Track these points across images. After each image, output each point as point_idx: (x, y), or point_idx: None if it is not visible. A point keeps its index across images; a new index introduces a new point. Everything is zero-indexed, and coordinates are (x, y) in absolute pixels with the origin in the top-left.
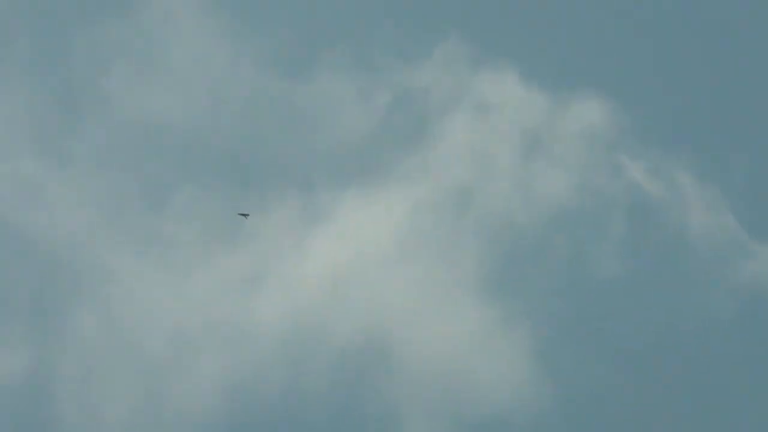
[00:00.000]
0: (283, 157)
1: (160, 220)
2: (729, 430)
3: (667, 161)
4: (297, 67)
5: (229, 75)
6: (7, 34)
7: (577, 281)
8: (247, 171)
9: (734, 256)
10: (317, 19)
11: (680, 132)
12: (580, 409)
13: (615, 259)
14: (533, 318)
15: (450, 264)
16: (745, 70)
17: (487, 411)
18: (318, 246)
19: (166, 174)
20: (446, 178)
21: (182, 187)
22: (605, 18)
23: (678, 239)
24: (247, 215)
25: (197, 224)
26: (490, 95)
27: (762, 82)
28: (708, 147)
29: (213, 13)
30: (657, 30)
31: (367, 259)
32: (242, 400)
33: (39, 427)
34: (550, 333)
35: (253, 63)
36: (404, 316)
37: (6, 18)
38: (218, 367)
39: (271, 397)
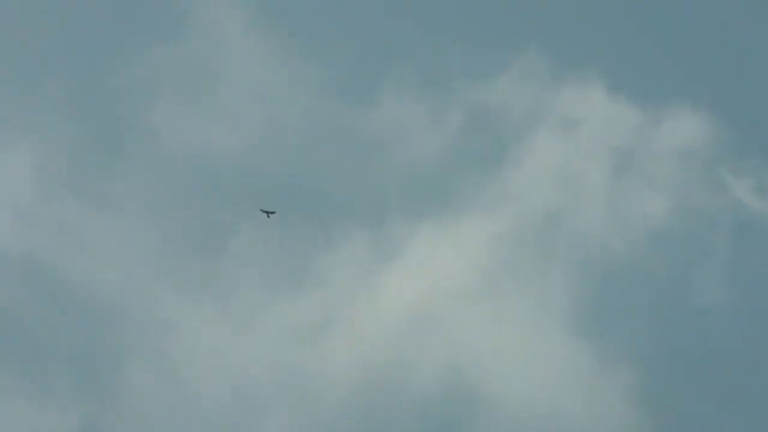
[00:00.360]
0: (348, 189)
1: (217, 263)
2: None
3: None
4: (360, 90)
5: (287, 102)
6: (43, 66)
7: (679, 311)
8: (310, 206)
9: None
10: (380, 37)
11: None
12: None
13: (720, 285)
14: (631, 353)
15: (538, 297)
16: None
17: None
18: (391, 285)
19: (221, 213)
20: (529, 204)
21: (240, 227)
22: (699, 24)
23: None
24: (273, 213)
25: (258, 267)
26: (574, 111)
27: None
28: None
29: (267, 36)
30: (758, 35)
31: (445, 296)
32: None
33: None
34: (650, 369)
35: (313, 88)
36: (490, 358)
37: (41, 49)
38: (287, 423)
39: None
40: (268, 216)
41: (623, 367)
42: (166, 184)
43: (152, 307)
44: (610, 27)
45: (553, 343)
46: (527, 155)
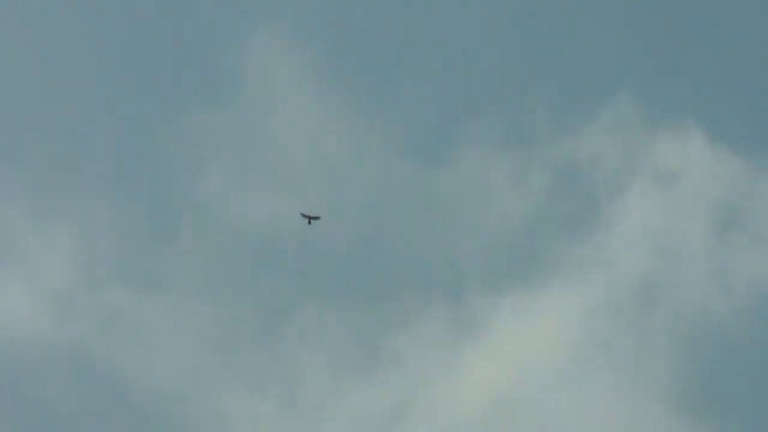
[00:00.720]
0: (423, 259)
1: (279, 349)
2: None
3: None
4: (433, 148)
5: (352, 164)
6: (83, 139)
7: None
8: (380, 279)
9: None
10: (457, 88)
11: None
12: None
13: None
14: None
15: (639, 376)
16: None
17: None
18: (473, 366)
19: (282, 292)
20: (624, 270)
21: (303, 307)
22: None
23: None
24: (316, 218)
25: (325, 349)
26: (672, 163)
27: None
28: None
29: (327, 91)
30: None
31: (534, 378)
32: None
33: None
34: None
35: (380, 147)
36: None
37: (81, 120)
38: None
39: None
40: (309, 222)
41: None
42: (221, 263)
43: (211, 400)
44: (706, 68)
45: (657, 426)
46: (620, 215)
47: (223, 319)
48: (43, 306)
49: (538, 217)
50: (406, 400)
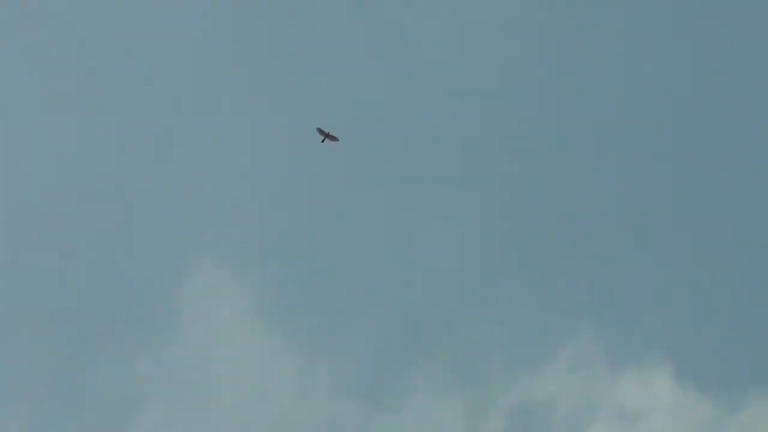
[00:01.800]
0: None
1: None
2: None
3: None
4: (381, 389)
5: (294, 407)
6: (12, 374)
7: None
8: None
9: None
10: (402, 327)
11: None
12: None
13: None
14: None
15: None
16: None
17: None
18: None
19: None
20: None
21: None
22: None
23: None
24: (334, 139)
25: None
26: (636, 403)
27: None
28: None
29: (268, 328)
30: None
31: None
32: None
33: None
34: None
35: (327, 389)
36: None
37: (10, 354)
38: None
39: None
40: (323, 141)
41: None
42: None
43: None
44: (674, 301)
45: None
46: None
47: None
48: None
49: None
50: None
